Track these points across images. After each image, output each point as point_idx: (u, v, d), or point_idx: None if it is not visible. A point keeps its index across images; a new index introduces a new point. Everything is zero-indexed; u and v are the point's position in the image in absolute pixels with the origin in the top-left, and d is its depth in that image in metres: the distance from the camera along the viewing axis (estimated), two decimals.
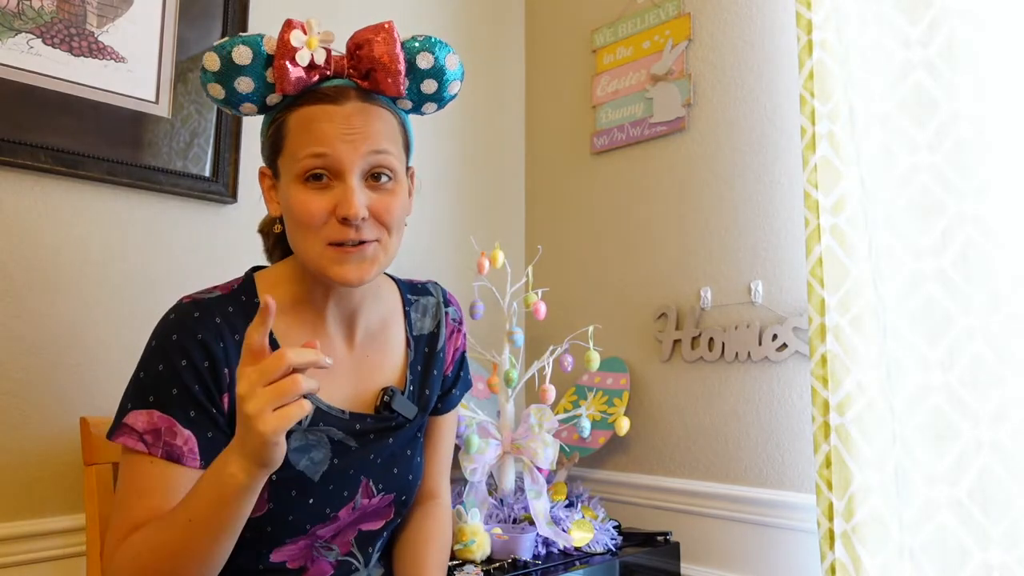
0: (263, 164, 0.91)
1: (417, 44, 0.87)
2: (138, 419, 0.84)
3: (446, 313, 1.05)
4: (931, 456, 1.19)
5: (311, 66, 0.83)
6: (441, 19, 1.86)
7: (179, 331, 0.85)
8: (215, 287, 0.91)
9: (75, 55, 1.24)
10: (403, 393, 0.97)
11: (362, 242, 0.84)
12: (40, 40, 1.20)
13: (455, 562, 1.30)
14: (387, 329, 0.99)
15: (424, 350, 1.02)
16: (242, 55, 0.81)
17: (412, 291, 1.05)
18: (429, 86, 0.90)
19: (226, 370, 0.85)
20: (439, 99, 0.92)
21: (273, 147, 0.87)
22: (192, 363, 0.83)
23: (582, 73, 1.91)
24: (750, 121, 1.56)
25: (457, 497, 1.48)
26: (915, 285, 1.23)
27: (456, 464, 1.48)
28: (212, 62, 0.82)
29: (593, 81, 1.87)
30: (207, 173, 1.37)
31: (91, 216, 1.25)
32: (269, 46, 0.82)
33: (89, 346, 1.22)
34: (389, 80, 0.85)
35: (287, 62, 0.81)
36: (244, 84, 0.83)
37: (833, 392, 1.21)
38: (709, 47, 1.65)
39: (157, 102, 1.33)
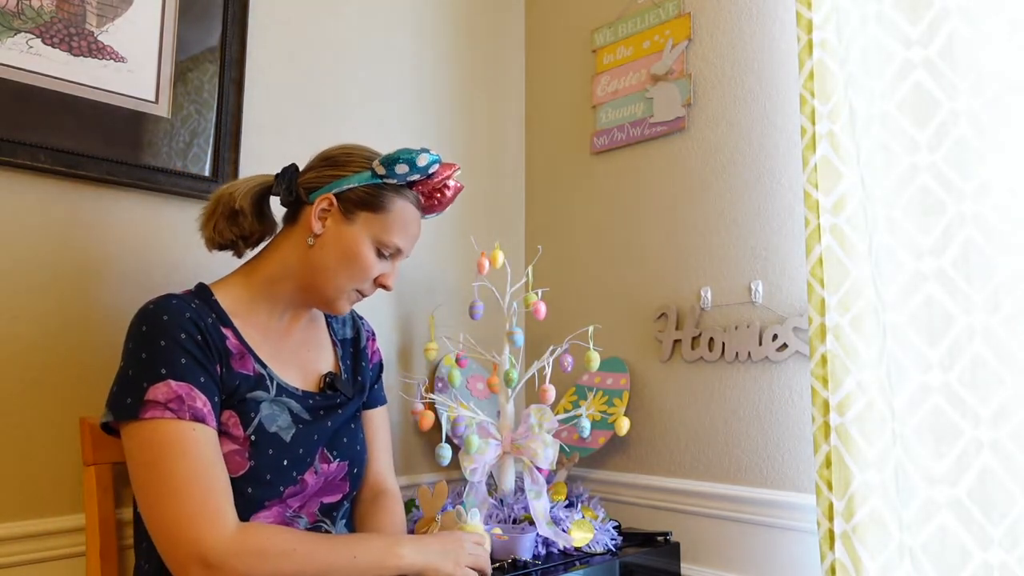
0: (329, 191, 1.08)
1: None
2: (157, 392, 0.92)
3: (361, 324, 1.29)
4: (931, 456, 1.19)
5: (427, 177, 1.12)
6: (441, 19, 1.86)
7: (167, 313, 0.98)
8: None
9: (75, 55, 1.23)
10: (340, 377, 1.18)
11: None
12: (40, 40, 1.20)
13: None
14: (317, 332, 1.21)
15: (350, 350, 1.25)
16: (424, 160, 1.08)
17: None
18: None
19: (214, 344, 0.99)
20: None
21: (368, 203, 1.08)
22: (190, 335, 0.97)
23: (582, 73, 1.91)
24: (750, 121, 1.56)
25: (457, 497, 1.48)
26: (915, 285, 1.23)
27: (456, 464, 1.48)
28: (424, 160, 1.09)
29: (593, 81, 1.86)
30: (207, 173, 1.37)
31: (90, 216, 1.25)
32: (423, 160, 1.08)
33: (89, 346, 1.22)
34: (432, 215, 1.20)
35: (436, 194, 1.15)
36: (401, 169, 1.08)
37: (833, 392, 1.21)
38: (709, 47, 1.65)
39: (157, 102, 1.33)
